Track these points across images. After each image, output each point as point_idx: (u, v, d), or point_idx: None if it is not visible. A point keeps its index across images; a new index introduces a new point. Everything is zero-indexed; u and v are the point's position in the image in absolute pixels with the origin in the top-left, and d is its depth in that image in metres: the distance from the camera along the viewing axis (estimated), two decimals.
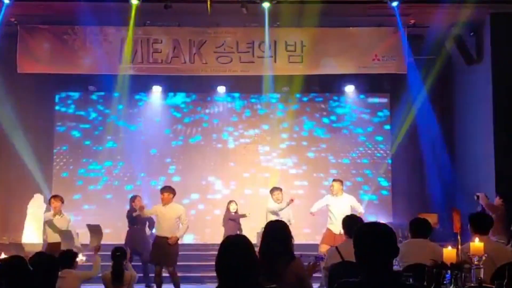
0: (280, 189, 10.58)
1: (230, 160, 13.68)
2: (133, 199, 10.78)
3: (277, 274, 4.22)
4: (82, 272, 6.89)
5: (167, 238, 9.40)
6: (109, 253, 7.23)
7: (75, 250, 8.35)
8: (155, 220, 9.85)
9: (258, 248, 4.23)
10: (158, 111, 13.77)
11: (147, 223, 10.78)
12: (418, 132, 12.49)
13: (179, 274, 9.87)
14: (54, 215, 9.56)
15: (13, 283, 4.64)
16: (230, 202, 11.26)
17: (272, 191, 10.58)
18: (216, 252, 3.27)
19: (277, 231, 4.52)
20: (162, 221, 9.52)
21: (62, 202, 9.72)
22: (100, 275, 7.18)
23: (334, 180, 10.76)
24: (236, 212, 11.12)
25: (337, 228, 9.97)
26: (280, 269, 4.27)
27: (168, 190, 9.62)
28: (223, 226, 11.04)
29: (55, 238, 9.47)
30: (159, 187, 12.71)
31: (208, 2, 10.21)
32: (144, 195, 11.63)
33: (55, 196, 9.88)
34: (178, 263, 11.13)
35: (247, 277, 3.15)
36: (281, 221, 4.82)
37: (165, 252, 9.40)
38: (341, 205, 10.12)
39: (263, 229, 4.63)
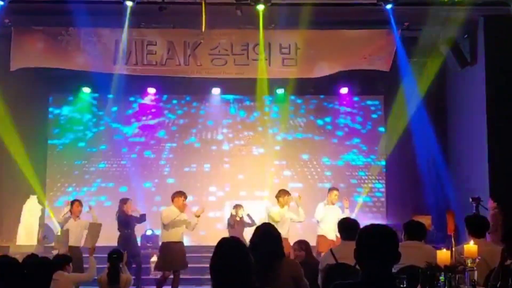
0: (283, 192, 10.08)
1: (225, 162, 13.69)
2: (124, 201, 10.75)
3: (271, 275, 4.20)
4: (75, 275, 6.88)
5: (181, 243, 9.52)
6: (104, 255, 7.21)
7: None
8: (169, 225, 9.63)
9: None
10: (152, 113, 13.77)
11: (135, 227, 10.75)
12: (412, 134, 12.51)
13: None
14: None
15: (5, 285, 4.62)
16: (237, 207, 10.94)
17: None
18: (210, 254, 3.27)
19: (264, 233, 4.54)
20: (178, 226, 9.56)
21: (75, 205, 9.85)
22: (95, 277, 7.16)
23: (334, 188, 10.72)
24: (241, 219, 10.76)
25: (332, 233, 9.98)
26: (274, 270, 4.26)
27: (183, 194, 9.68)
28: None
29: (72, 242, 9.55)
30: (153, 189, 12.74)
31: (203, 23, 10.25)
32: (138, 197, 11.60)
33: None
34: None
35: (242, 280, 3.15)
36: (267, 223, 4.93)
37: (179, 256, 9.50)
38: (336, 213, 10.16)
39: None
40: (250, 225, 10.70)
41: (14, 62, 11.31)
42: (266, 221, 7.94)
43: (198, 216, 9.61)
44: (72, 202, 10.00)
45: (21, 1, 10.93)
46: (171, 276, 9.65)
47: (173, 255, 9.45)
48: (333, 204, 10.39)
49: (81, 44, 11.34)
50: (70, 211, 9.72)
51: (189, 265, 11.10)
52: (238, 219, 10.68)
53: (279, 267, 4.31)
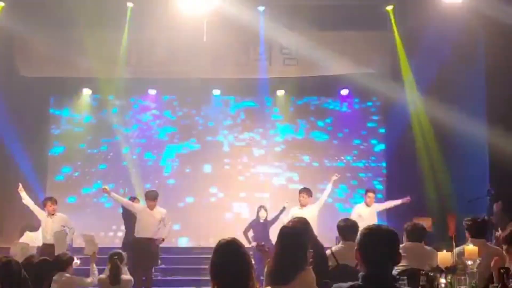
0: (305, 190, 10.05)
1: (225, 163, 13.67)
2: (132, 199, 10.71)
3: (285, 280, 4.10)
4: (77, 278, 6.86)
5: (150, 239, 9.39)
6: (104, 256, 7.21)
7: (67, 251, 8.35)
8: (137, 220, 9.66)
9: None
10: (153, 114, 13.76)
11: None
12: (413, 135, 12.50)
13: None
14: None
15: (5, 285, 4.62)
16: (259, 208, 10.57)
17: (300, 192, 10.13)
18: (210, 255, 3.27)
19: (290, 240, 4.16)
20: (146, 222, 9.49)
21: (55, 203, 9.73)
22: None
23: (371, 190, 10.68)
24: (265, 220, 10.38)
25: None
26: (288, 276, 4.11)
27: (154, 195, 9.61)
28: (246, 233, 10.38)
29: (47, 239, 9.48)
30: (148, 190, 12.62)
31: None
32: (139, 198, 11.57)
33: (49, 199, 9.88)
34: (172, 266, 11.14)
35: (241, 281, 3.15)
36: (296, 227, 4.38)
37: (150, 254, 9.38)
38: (372, 214, 10.13)
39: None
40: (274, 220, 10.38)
41: (22, 69, 11.34)
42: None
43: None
44: (45, 201, 9.79)
45: (22, 3, 10.94)
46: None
47: (137, 251, 9.27)
48: (368, 206, 10.33)
49: (82, 47, 11.33)
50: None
51: (189, 266, 11.13)
52: (262, 221, 10.35)
53: (299, 277, 4.12)
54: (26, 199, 9.76)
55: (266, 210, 10.46)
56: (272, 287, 3.79)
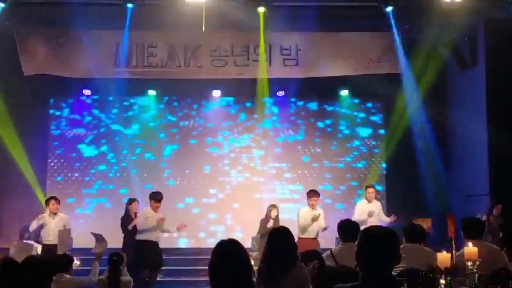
0: (316, 194, 9.84)
1: (225, 164, 13.66)
2: (129, 202, 10.64)
3: (277, 278, 4.15)
4: (77, 278, 6.84)
5: (155, 242, 9.37)
6: (104, 257, 7.20)
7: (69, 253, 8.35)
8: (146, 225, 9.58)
9: (255, 252, 4.20)
10: (153, 115, 13.76)
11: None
12: (412, 136, 12.51)
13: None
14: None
15: (5, 286, 4.62)
16: (272, 207, 10.25)
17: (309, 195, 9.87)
18: (209, 256, 3.26)
19: (279, 239, 4.40)
20: (151, 225, 9.45)
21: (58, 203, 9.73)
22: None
23: (370, 186, 10.59)
24: (276, 219, 9.98)
25: None
26: (280, 274, 4.19)
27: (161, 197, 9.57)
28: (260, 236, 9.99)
29: (49, 240, 9.47)
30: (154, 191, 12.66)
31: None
32: (139, 199, 11.56)
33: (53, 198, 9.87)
34: (172, 267, 11.14)
35: (240, 283, 3.15)
36: (284, 227, 4.61)
37: (157, 256, 9.35)
38: (375, 212, 10.06)
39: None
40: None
41: (25, 68, 11.32)
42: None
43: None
44: (48, 200, 9.75)
45: (22, 3, 10.94)
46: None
47: (146, 254, 9.22)
48: (369, 202, 10.24)
49: (82, 48, 11.32)
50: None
51: (188, 267, 11.12)
52: (271, 220, 10.00)
53: (290, 274, 4.21)
54: (33, 226, 9.68)
55: (277, 210, 10.16)
56: (265, 287, 3.81)
